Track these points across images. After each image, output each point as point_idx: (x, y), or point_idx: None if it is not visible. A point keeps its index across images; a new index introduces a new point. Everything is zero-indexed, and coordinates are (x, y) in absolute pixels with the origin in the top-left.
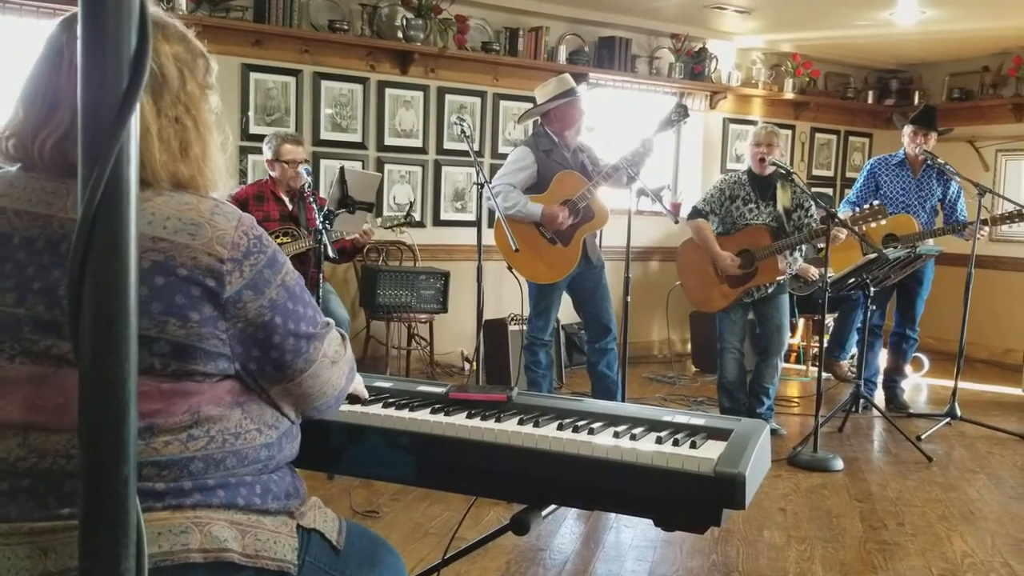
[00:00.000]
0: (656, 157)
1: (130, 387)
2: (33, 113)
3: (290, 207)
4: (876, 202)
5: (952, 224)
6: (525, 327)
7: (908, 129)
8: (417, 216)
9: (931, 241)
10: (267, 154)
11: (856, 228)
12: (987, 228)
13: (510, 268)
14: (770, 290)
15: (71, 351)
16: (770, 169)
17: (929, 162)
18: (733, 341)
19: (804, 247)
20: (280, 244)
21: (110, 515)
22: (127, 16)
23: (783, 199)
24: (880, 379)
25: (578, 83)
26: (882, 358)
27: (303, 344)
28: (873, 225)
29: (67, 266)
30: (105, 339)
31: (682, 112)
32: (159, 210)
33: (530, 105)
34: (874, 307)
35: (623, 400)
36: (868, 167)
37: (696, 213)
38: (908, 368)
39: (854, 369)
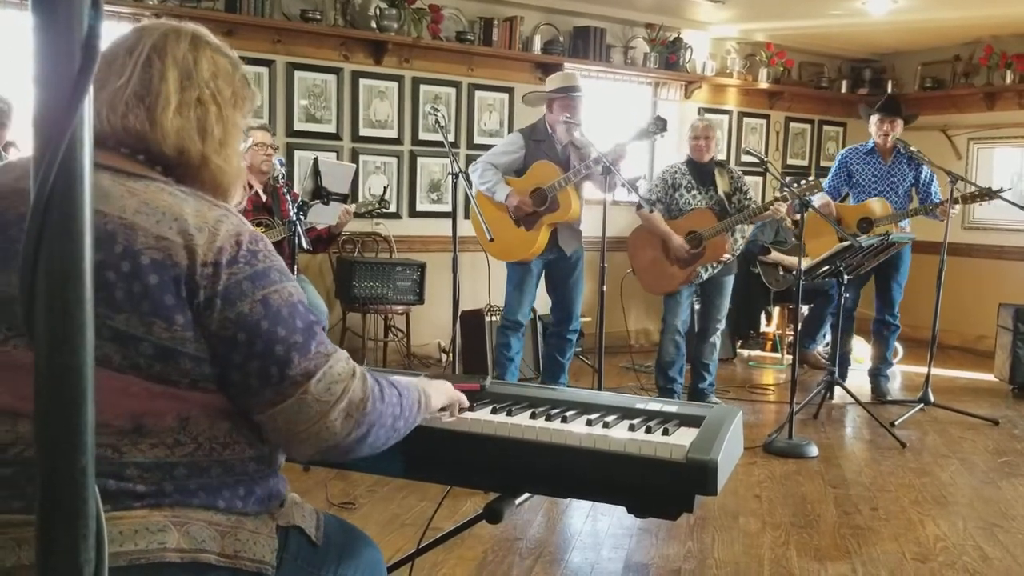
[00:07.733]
0: (627, 161)
1: (86, 375)
2: None
3: (264, 198)
4: (812, 178)
5: (924, 205)
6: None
7: (874, 118)
8: (392, 203)
9: (906, 227)
10: None
11: (822, 215)
12: (958, 206)
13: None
14: (717, 270)
15: None
16: (708, 157)
17: (900, 149)
18: (674, 323)
19: (767, 232)
20: None
21: (67, 506)
22: None
23: (722, 185)
24: (866, 368)
25: (551, 73)
26: (857, 344)
27: (272, 371)
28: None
29: None
30: (60, 327)
31: (660, 125)
32: (169, 210)
33: (504, 96)
34: (847, 294)
35: (576, 386)
36: (840, 157)
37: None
38: (892, 357)
39: (827, 358)
